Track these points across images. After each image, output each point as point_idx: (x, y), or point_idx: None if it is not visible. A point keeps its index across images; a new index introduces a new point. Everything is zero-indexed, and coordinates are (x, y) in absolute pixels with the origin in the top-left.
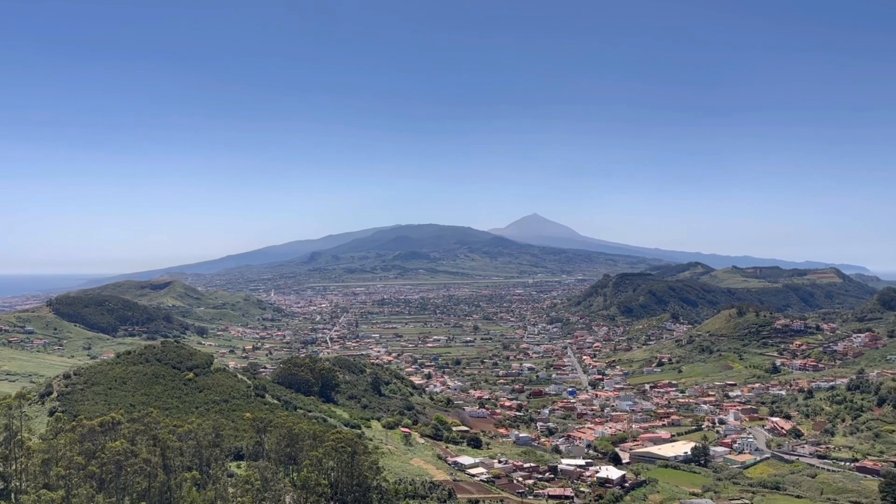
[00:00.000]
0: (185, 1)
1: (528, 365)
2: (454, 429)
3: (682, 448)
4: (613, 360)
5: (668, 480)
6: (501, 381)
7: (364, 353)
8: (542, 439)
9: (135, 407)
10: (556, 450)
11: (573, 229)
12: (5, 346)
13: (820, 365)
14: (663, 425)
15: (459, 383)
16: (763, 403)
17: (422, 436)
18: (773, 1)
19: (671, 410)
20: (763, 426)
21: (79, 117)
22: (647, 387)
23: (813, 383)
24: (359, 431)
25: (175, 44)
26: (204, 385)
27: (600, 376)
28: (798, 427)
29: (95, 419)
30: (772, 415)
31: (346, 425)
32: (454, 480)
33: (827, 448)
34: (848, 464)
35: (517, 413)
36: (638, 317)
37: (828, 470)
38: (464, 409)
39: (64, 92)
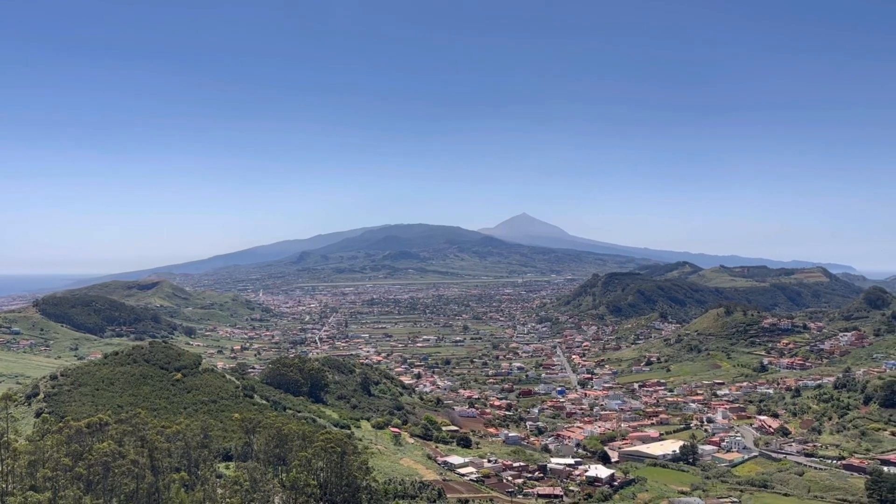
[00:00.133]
0: (183, 0)
1: (518, 364)
2: (444, 428)
3: (671, 447)
4: (602, 360)
5: (657, 479)
6: (491, 380)
7: (353, 353)
8: (532, 438)
9: (122, 408)
10: (546, 449)
11: (562, 229)
12: None
13: (807, 363)
14: (652, 424)
15: (449, 383)
16: (751, 402)
17: (411, 436)
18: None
19: (660, 409)
20: (751, 425)
21: (67, 117)
22: (635, 386)
23: (800, 382)
24: (348, 432)
25: (169, 43)
26: (192, 386)
27: (589, 375)
28: (785, 425)
29: (83, 420)
30: (759, 413)
31: (335, 425)
32: (444, 480)
33: (814, 446)
34: (835, 462)
35: (507, 412)
36: (627, 316)
37: (815, 468)
38: (453, 409)
39: (62, 92)
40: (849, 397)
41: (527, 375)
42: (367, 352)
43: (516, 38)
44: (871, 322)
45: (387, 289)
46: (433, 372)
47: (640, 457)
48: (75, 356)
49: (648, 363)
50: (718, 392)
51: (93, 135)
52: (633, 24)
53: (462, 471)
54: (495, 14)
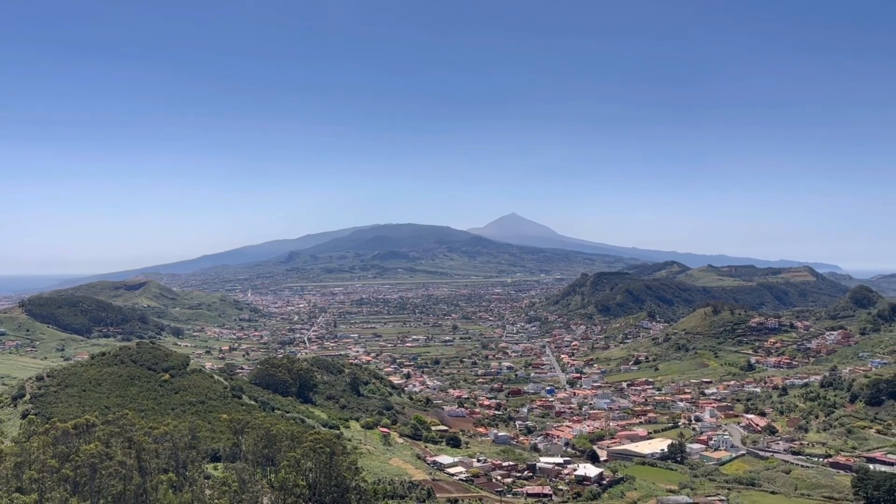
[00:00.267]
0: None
1: (507, 364)
2: (433, 428)
3: (659, 445)
4: (591, 359)
5: (645, 478)
6: (480, 380)
7: (342, 353)
8: (521, 438)
9: (109, 409)
10: (535, 448)
11: (551, 229)
12: None
13: (794, 362)
14: (640, 423)
15: (438, 383)
16: (738, 401)
17: (401, 436)
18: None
19: (648, 408)
20: (738, 423)
21: (50, 116)
22: (624, 385)
23: (787, 380)
24: (337, 432)
25: (159, 43)
26: (180, 386)
27: (578, 375)
28: (773, 424)
29: (69, 421)
30: (747, 412)
31: (324, 426)
32: (433, 480)
33: (801, 444)
34: (821, 459)
35: (496, 412)
36: (615, 315)
37: (802, 466)
38: (443, 409)
39: (48, 92)
40: (835, 396)
41: (516, 375)
42: (357, 352)
43: (505, 38)
44: (858, 321)
45: (376, 289)
46: (422, 372)
47: (628, 455)
48: (62, 357)
49: (637, 362)
50: (706, 391)
51: (80, 135)
52: (619, 24)
53: (451, 470)
54: (484, 15)
